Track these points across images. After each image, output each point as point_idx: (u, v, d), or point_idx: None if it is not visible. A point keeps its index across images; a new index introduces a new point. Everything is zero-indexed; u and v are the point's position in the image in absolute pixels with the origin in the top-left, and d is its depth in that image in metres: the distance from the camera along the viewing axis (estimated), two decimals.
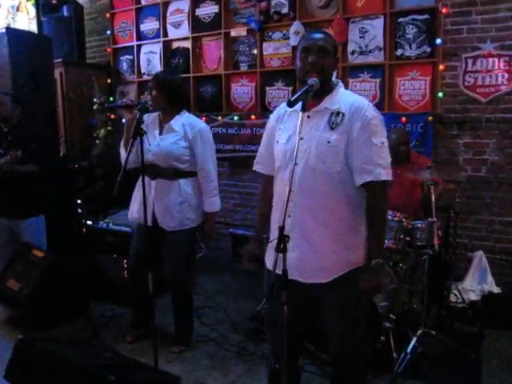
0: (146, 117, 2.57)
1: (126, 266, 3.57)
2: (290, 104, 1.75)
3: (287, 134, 1.90)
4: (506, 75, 3.58)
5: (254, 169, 2.17)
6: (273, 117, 2.07)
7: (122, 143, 2.81)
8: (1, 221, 3.35)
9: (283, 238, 1.64)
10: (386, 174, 1.80)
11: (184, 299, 3.02)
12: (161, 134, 2.84)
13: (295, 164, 1.78)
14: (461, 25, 3.69)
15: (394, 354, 2.70)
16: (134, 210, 2.91)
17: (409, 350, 2.70)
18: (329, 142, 1.80)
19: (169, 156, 2.78)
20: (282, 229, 1.64)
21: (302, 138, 1.80)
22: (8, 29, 4.06)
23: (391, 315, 2.84)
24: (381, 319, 2.73)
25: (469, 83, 3.71)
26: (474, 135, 3.74)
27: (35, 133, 3.41)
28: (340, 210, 1.85)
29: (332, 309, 1.91)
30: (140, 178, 2.71)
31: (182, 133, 2.80)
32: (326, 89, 1.86)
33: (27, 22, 5.85)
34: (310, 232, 1.85)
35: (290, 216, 1.83)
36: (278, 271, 1.66)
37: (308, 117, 1.83)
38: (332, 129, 1.81)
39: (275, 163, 1.99)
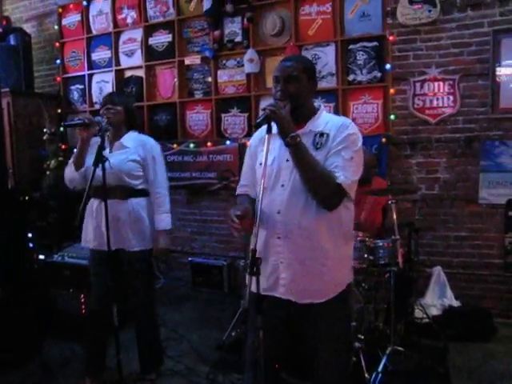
0: (93, 138, 2.51)
1: (83, 300, 3.40)
2: (255, 126, 1.78)
3: (271, 156, 1.84)
4: (451, 97, 3.79)
5: (238, 193, 2.08)
6: (255, 138, 2.04)
7: (70, 160, 2.67)
8: None
9: (255, 261, 1.62)
10: (343, 181, 1.73)
11: (150, 327, 2.89)
12: (111, 151, 2.74)
13: (282, 186, 1.80)
14: (407, 51, 3.90)
15: (366, 375, 2.70)
16: (89, 236, 2.75)
17: (380, 369, 2.71)
18: None
19: (120, 172, 2.65)
20: (254, 251, 1.62)
21: (287, 160, 1.81)
22: None
23: (359, 335, 2.85)
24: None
25: (418, 105, 3.89)
26: (425, 155, 3.90)
27: None
28: (330, 230, 1.83)
29: (323, 331, 1.88)
30: (90, 203, 2.71)
31: (133, 149, 2.74)
32: (306, 112, 1.88)
33: None
34: (302, 253, 1.82)
35: (279, 238, 1.83)
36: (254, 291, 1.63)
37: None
38: (317, 149, 1.81)
39: (257, 185, 1.88)
